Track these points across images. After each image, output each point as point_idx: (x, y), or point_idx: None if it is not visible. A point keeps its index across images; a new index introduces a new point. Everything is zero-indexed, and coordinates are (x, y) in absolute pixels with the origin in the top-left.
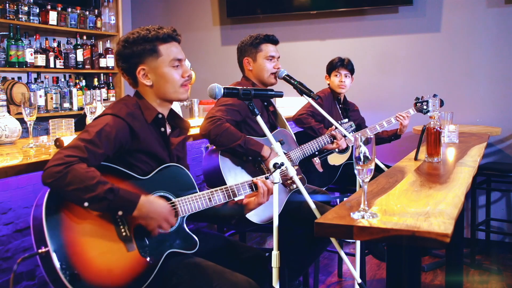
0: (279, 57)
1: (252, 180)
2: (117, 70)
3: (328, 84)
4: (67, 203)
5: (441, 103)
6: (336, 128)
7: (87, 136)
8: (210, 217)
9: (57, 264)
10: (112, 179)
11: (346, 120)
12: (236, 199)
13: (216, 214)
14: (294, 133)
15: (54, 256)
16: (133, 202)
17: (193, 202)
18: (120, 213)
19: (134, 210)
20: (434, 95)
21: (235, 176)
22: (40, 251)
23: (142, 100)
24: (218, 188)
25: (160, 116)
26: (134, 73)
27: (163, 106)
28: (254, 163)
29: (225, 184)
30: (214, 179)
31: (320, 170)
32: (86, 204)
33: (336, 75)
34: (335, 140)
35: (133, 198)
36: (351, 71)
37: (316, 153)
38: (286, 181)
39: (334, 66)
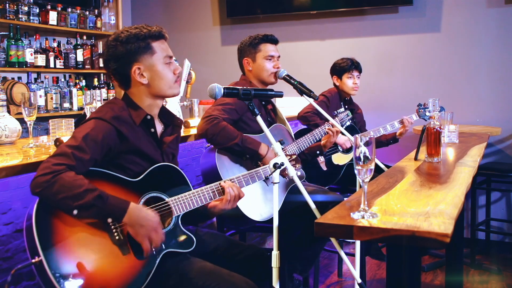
0: (279, 57)
1: (219, 183)
2: (104, 72)
3: (336, 86)
4: (58, 210)
5: (441, 109)
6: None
7: (73, 143)
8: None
9: (50, 273)
10: (102, 184)
11: (342, 109)
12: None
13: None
14: (298, 131)
15: (46, 266)
16: (122, 208)
17: (187, 201)
18: (109, 220)
19: (123, 216)
20: (419, 104)
21: (232, 174)
22: (33, 260)
23: (131, 101)
24: (212, 185)
25: (148, 117)
26: (127, 73)
27: (154, 105)
28: (252, 161)
29: None
30: (211, 177)
31: (324, 168)
32: (75, 212)
33: (350, 77)
34: (327, 134)
35: (123, 204)
36: (361, 71)
37: (317, 152)
38: (284, 172)
39: (347, 68)
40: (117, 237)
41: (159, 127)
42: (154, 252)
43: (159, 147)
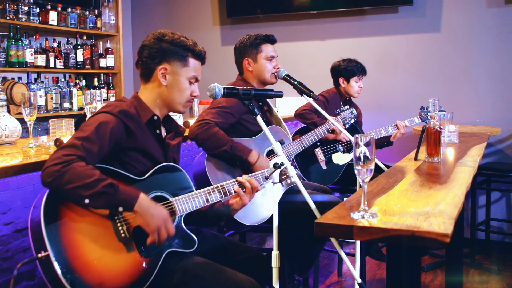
0: (277, 57)
1: (237, 179)
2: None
3: (339, 87)
4: (66, 206)
5: (440, 110)
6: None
7: (82, 134)
8: (197, 220)
9: (57, 267)
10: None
11: (347, 106)
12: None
13: (203, 216)
14: (297, 130)
15: (54, 260)
16: (133, 197)
17: (190, 201)
18: (120, 209)
19: (134, 205)
20: (421, 108)
21: (222, 180)
22: (40, 255)
23: (139, 101)
24: (214, 187)
25: (155, 118)
26: (153, 67)
27: (161, 111)
28: (242, 169)
29: None
30: (201, 181)
31: (324, 167)
32: (86, 201)
33: (357, 82)
34: (335, 132)
35: (133, 193)
36: (366, 74)
37: (318, 143)
38: (281, 177)
39: (355, 72)
40: (122, 235)
41: (162, 132)
42: (161, 246)
43: (162, 148)
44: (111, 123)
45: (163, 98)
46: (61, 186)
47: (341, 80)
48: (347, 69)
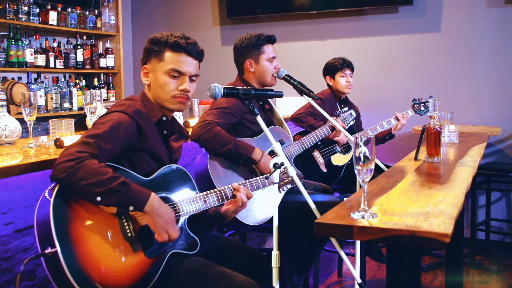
0: (276, 56)
1: (231, 186)
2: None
3: (330, 86)
4: (74, 204)
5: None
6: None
7: (96, 132)
8: (191, 223)
9: (65, 264)
10: None
11: (346, 108)
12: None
13: (196, 220)
14: (298, 132)
15: (61, 257)
16: (144, 196)
17: (193, 204)
18: (131, 208)
19: (145, 204)
20: (430, 97)
21: (225, 180)
22: (47, 251)
23: (148, 101)
24: (214, 190)
25: (164, 118)
26: (142, 69)
27: (164, 110)
28: (246, 166)
29: (215, 187)
30: (204, 182)
31: (324, 170)
32: (98, 198)
33: (342, 76)
34: (334, 130)
35: (145, 192)
36: (353, 70)
37: (319, 143)
38: (280, 181)
39: (339, 67)
40: (129, 234)
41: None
42: (166, 247)
43: (168, 149)
44: (125, 122)
45: (153, 97)
46: (74, 183)
47: (328, 78)
48: (331, 66)
